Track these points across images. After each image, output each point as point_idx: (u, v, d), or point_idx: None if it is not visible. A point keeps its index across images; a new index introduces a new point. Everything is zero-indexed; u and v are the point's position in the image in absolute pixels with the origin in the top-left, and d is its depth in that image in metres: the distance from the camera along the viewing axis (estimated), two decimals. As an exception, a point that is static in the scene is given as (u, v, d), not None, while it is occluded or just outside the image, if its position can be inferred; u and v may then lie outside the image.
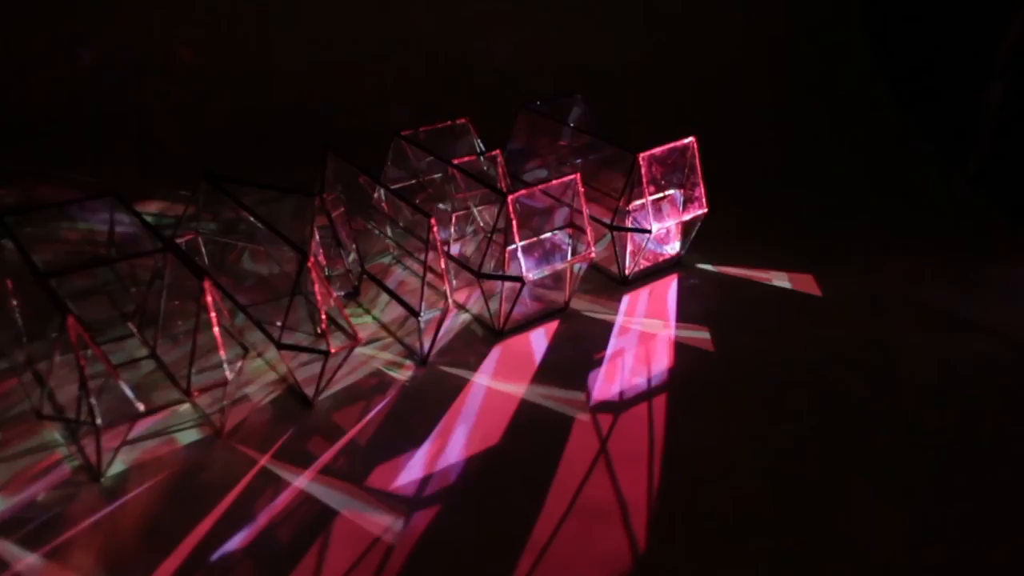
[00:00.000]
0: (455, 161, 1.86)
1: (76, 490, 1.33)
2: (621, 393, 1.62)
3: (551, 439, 1.50)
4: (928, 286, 2.04)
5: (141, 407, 1.27)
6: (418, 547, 1.27)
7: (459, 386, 1.62)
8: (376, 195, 1.91)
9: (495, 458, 1.45)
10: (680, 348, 1.76)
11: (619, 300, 1.92)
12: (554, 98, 2.21)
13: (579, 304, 1.90)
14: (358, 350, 1.68)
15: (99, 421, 1.23)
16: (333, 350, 1.44)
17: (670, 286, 1.99)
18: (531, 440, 1.50)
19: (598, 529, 1.31)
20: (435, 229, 1.57)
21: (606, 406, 1.58)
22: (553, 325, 1.82)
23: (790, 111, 2.99)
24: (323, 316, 1.47)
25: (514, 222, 1.65)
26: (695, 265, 2.07)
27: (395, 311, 1.82)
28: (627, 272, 1.97)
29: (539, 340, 1.77)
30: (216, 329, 1.33)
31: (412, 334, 1.74)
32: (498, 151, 1.92)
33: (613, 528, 1.31)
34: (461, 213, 1.95)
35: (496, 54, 3.02)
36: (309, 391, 1.54)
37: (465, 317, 1.84)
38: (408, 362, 1.68)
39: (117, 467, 1.38)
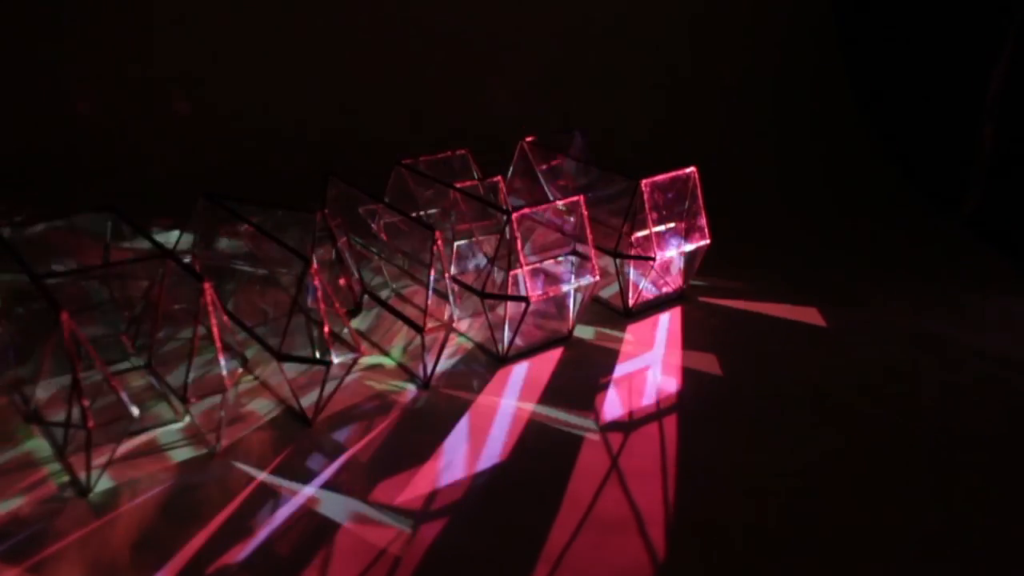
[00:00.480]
0: (457, 185, 1.84)
1: (62, 505, 1.26)
2: (630, 413, 1.57)
3: (560, 456, 1.44)
4: (929, 317, 2.02)
5: (135, 411, 1.21)
6: (426, 559, 1.20)
7: (463, 407, 1.57)
8: (376, 224, 1.88)
9: (503, 474, 1.39)
10: (687, 373, 1.72)
11: (623, 330, 1.89)
12: (553, 132, 2.21)
13: (583, 333, 1.86)
14: (358, 373, 1.63)
15: (91, 423, 1.17)
16: (336, 360, 1.39)
17: (674, 317, 1.96)
18: (539, 457, 1.44)
19: (614, 540, 1.25)
20: (439, 243, 1.54)
21: (615, 425, 1.53)
22: (557, 352, 1.77)
23: (787, 147, 3.04)
24: (326, 327, 1.42)
25: (518, 241, 1.63)
26: (698, 298, 2.04)
27: (396, 337, 1.78)
28: (631, 304, 1.94)
29: (543, 365, 1.72)
30: (215, 331, 1.28)
31: (414, 359, 1.69)
32: (499, 177, 1.91)
33: (630, 539, 1.25)
34: (463, 243, 1.92)
35: (497, 90, 3.06)
36: (309, 412, 1.49)
37: (468, 345, 1.79)
38: (410, 386, 1.63)
39: (107, 483, 1.31)
